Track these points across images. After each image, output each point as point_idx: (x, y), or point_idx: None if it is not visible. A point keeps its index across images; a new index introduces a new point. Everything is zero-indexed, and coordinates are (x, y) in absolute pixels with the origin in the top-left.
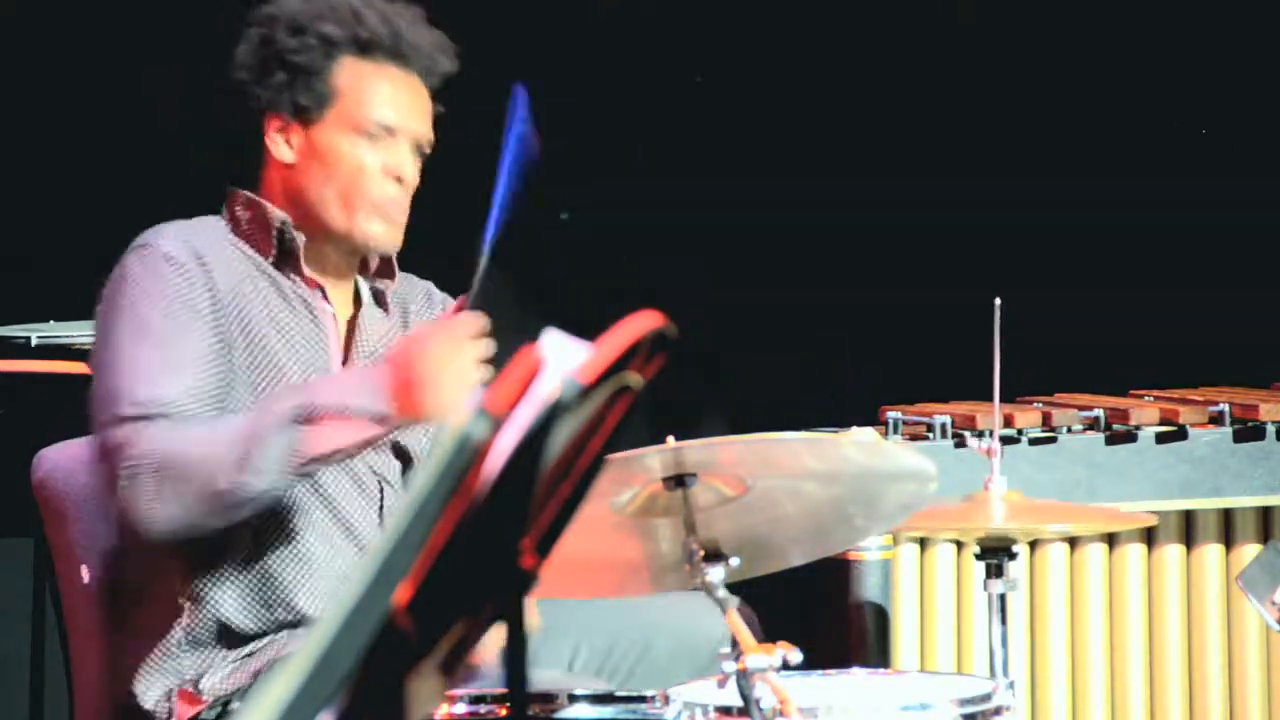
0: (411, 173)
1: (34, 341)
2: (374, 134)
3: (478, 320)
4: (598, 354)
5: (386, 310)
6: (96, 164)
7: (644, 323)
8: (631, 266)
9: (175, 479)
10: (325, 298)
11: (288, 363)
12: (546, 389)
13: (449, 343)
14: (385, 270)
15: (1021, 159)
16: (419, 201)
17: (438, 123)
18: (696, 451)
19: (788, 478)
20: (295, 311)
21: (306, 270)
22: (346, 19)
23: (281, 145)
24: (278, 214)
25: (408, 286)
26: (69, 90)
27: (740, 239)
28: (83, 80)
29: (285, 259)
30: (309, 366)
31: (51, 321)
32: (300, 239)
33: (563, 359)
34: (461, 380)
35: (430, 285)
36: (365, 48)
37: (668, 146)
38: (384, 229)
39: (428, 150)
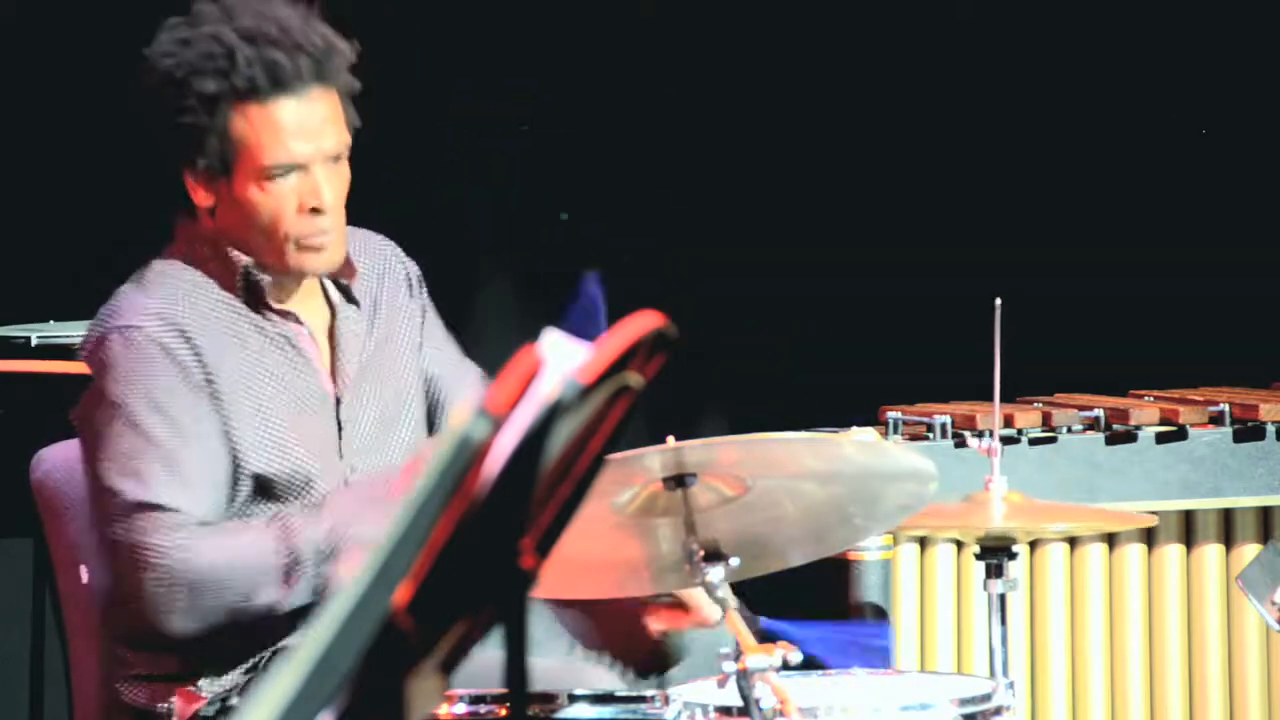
0: (330, 196)
1: (34, 341)
2: (282, 174)
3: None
4: (598, 354)
5: (359, 304)
6: (96, 164)
7: (644, 323)
8: (631, 266)
9: (208, 595)
10: (299, 321)
11: (283, 406)
12: (546, 389)
13: None
14: (344, 269)
15: (1021, 158)
16: (419, 193)
17: (439, 116)
18: (696, 451)
19: (788, 478)
20: (279, 349)
21: (275, 303)
22: (221, 67)
23: (200, 192)
24: (242, 258)
25: (376, 265)
26: (69, 90)
27: (740, 238)
28: (83, 80)
29: (252, 297)
30: (304, 400)
31: (51, 321)
32: (266, 280)
33: (563, 359)
34: None
35: (408, 264)
36: (250, 93)
37: (667, 146)
38: (317, 257)
39: (345, 153)
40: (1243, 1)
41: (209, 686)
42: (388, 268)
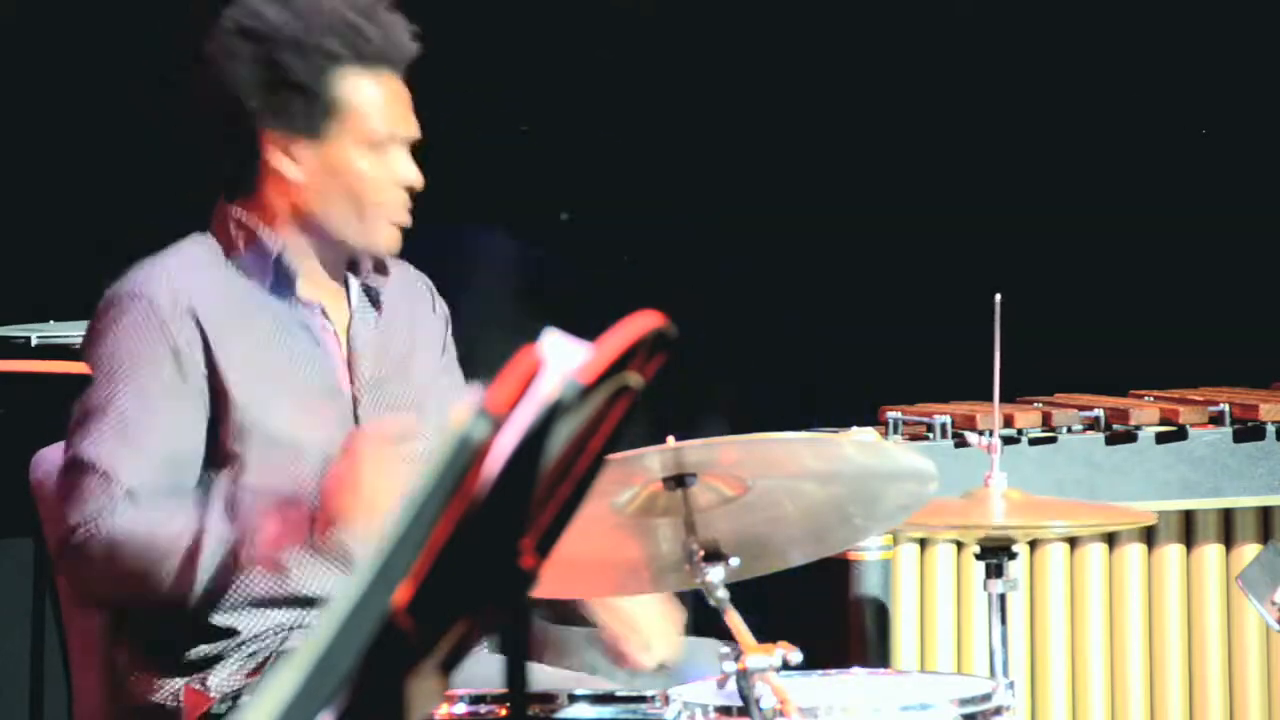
0: (417, 179)
1: (34, 341)
2: (381, 144)
3: (395, 425)
4: (598, 354)
5: (379, 309)
6: (96, 164)
7: (644, 323)
8: (632, 266)
9: (120, 566)
10: (324, 314)
11: (291, 391)
12: (546, 389)
13: (374, 449)
14: (379, 267)
15: (1021, 158)
16: (419, 193)
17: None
18: (696, 451)
19: (788, 478)
20: (294, 337)
21: (303, 294)
22: (345, 32)
23: (287, 163)
24: (276, 241)
25: (412, 287)
26: (69, 91)
27: (740, 237)
28: (82, 81)
29: (281, 283)
30: (317, 390)
31: (51, 321)
32: (297, 266)
33: (563, 359)
34: (386, 482)
35: (438, 300)
36: (364, 59)
37: (668, 146)
38: (393, 235)
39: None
40: (1243, 1)
41: (218, 686)
42: (418, 294)
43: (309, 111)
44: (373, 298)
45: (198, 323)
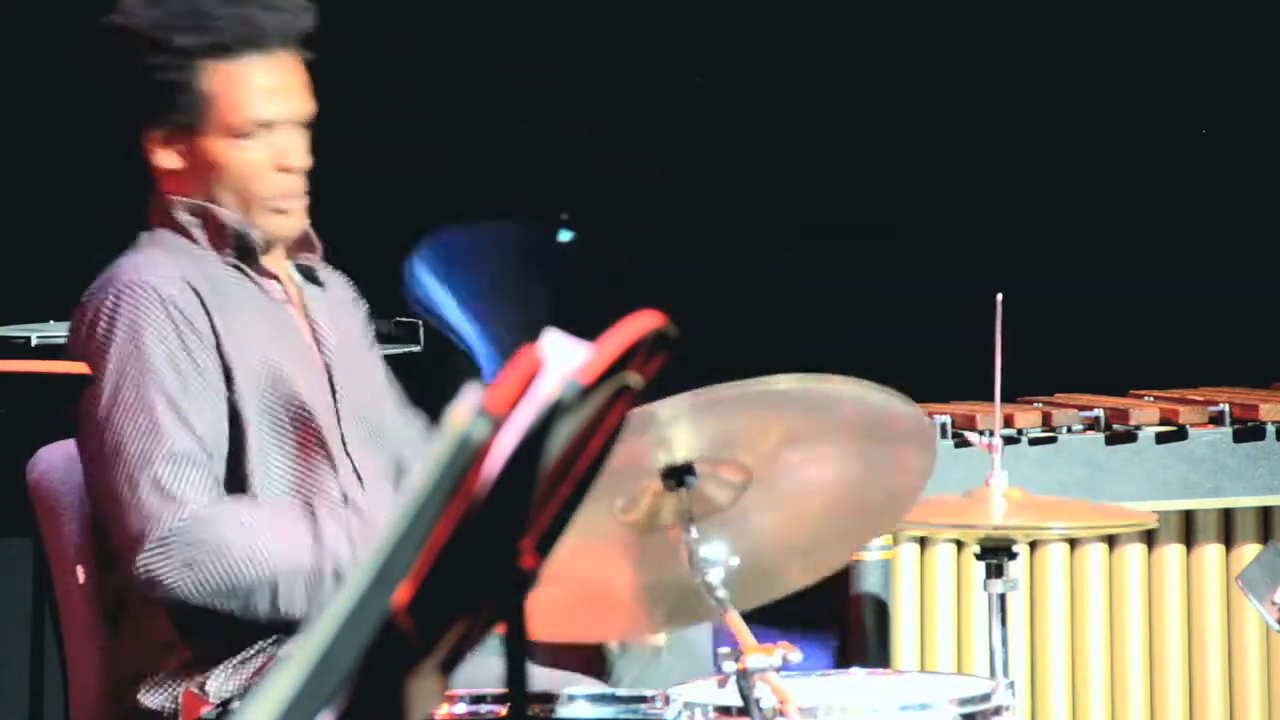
0: (299, 158)
1: (34, 341)
2: (253, 132)
3: None
4: (598, 354)
5: (321, 285)
6: (95, 165)
7: (644, 323)
8: (631, 265)
9: (224, 570)
10: (285, 292)
11: (282, 363)
12: (546, 389)
13: None
14: (306, 244)
15: (1023, 158)
16: (419, 193)
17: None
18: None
19: (783, 444)
20: (275, 306)
21: (266, 265)
22: (198, 24)
23: (164, 155)
24: (231, 217)
25: (334, 277)
26: (69, 91)
27: (740, 237)
28: (83, 81)
29: (245, 255)
30: (295, 360)
31: (51, 321)
32: (259, 237)
33: (563, 359)
34: None
35: (351, 285)
36: (224, 49)
37: (668, 146)
38: (282, 221)
39: (310, 119)
40: (1243, 1)
41: (217, 690)
42: (342, 286)
43: (177, 110)
44: (310, 275)
45: (201, 301)
